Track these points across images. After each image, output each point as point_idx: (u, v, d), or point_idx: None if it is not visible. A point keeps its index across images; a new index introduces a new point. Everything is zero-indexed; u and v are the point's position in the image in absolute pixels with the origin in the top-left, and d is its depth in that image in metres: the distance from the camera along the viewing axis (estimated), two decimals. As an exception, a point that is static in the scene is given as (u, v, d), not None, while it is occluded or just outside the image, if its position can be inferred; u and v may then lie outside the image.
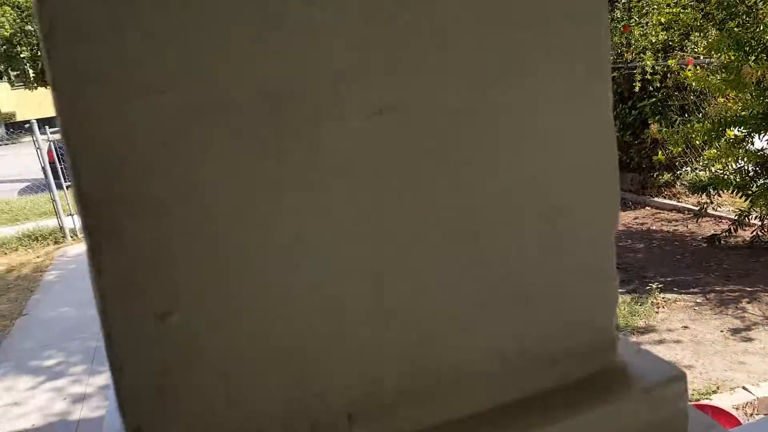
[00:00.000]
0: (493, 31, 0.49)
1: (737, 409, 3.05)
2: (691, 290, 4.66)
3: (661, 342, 3.97)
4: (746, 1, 4.67)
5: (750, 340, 3.87)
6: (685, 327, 4.12)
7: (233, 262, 0.44)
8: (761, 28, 4.63)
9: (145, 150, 0.41)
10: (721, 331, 4.01)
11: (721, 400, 3.11)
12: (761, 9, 4.67)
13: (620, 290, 4.72)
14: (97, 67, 0.39)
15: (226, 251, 0.44)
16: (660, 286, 4.65)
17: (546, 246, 0.54)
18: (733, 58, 4.67)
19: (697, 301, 4.48)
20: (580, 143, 0.54)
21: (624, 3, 6.60)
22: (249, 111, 0.43)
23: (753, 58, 4.53)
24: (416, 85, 0.48)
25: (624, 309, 4.39)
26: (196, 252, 0.43)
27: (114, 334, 0.42)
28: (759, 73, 4.29)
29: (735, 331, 4.00)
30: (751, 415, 3.09)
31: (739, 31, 4.68)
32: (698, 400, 3.14)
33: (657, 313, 4.35)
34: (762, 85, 4.39)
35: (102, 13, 0.39)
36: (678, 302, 4.48)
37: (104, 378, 4.04)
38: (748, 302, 4.35)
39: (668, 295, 4.58)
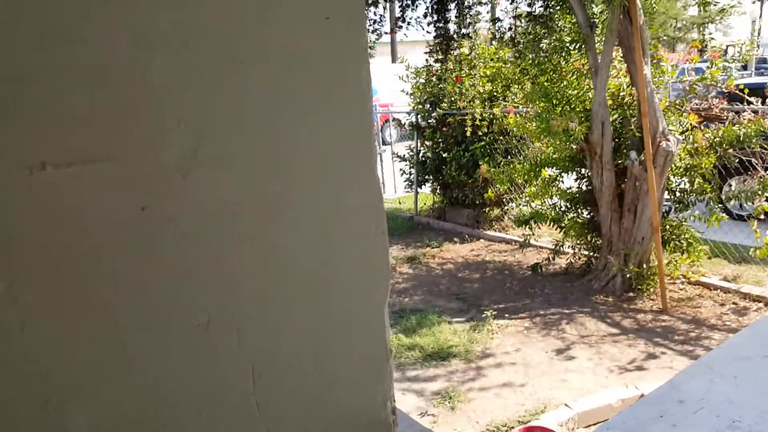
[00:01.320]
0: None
1: (561, 426, 3.22)
2: (520, 315, 4.93)
3: (498, 366, 4.13)
4: (552, 60, 5.15)
5: (570, 358, 4.15)
6: (517, 350, 4.34)
7: None
8: (565, 83, 5.12)
9: None
10: (546, 352, 4.27)
11: (548, 419, 3.28)
12: (564, 68, 5.17)
13: (460, 319, 4.92)
14: None
15: None
16: (494, 313, 4.87)
17: (317, 336, 0.48)
18: (542, 108, 5.11)
19: (526, 325, 4.74)
20: (350, 220, 0.49)
21: (456, 56, 7.00)
22: None
23: (559, 109, 4.99)
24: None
25: (464, 337, 4.53)
26: None
27: None
28: (564, 123, 4.72)
29: (558, 351, 4.27)
30: (572, 430, 3.28)
31: (548, 85, 5.14)
32: (529, 421, 3.29)
33: (492, 339, 4.54)
34: (567, 132, 4.83)
35: None
36: (510, 327, 4.71)
37: None
38: (567, 323, 4.69)
39: (501, 321, 4.81)
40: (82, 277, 0.41)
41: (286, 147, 0.47)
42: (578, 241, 5.60)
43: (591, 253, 5.58)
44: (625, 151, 5.00)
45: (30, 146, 0.39)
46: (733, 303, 4.84)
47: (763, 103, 5.32)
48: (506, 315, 4.93)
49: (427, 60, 7.08)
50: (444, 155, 7.61)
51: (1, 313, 0.38)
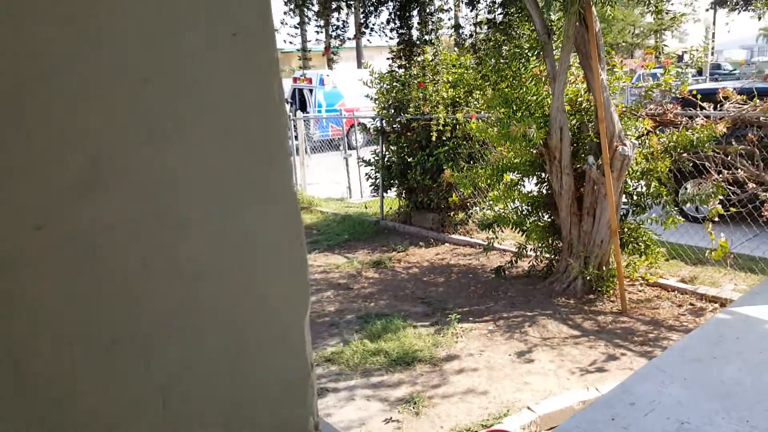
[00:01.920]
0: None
1: (523, 429, 3.24)
2: (484, 318, 4.95)
3: (462, 370, 4.13)
4: (512, 67, 5.20)
5: (532, 361, 4.18)
6: (481, 354, 4.35)
7: None
8: (524, 89, 5.18)
9: None
10: (509, 355, 4.29)
11: (511, 422, 3.29)
12: (523, 74, 5.23)
13: (424, 323, 4.91)
14: None
15: None
16: (458, 316, 4.88)
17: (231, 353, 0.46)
18: (503, 113, 5.16)
19: (489, 328, 4.76)
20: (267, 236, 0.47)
21: (419, 62, 7.02)
22: None
23: (519, 114, 5.04)
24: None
25: (429, 341, 4.53)
26: None
27: None
28: (523, 128, 4.77)
29: (520, 354, 4.29)
30: (535, 432, 3.30)
31: (508, 91, 5.19)
32: (492, 425, 3.30)
33: (456, 342, 4.54)
34: (527, 138, 4.88)
35: None
36: (474, 330, 4.73)
37: None
38: (529, 326, 4.73)
39: (465, 325, 4.82)
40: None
41: (193, 162, 0.45)
42: (540, 244, 5.65)
43: (552, 256, 5.65)
44: (583, 155, 5.07)
45: None
46: (690, 304, 4.94)
47: (715, 108, 5.47)
48: (470, 318, 4.95)
49: (390, 65, 7.09)
50: (409, 160, 7.62)
51: None
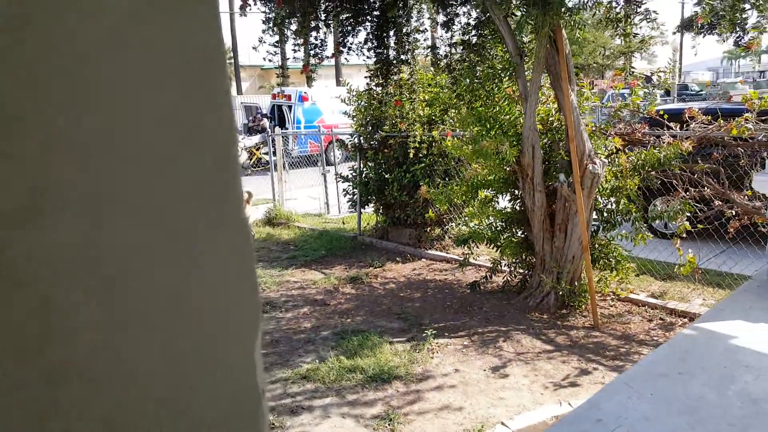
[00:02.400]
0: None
1: (496, 444, 3.23)
2: (459, 333, 4.95)
3: (437, 386, 4.10)
4: (486, 87, 5.26)
5: (506, 376, 4.18)
6: (456, 370, 4.33)
7: None
8: (497, 108, 5.25)
9: None
10: (484, 370, 4.29)
11: (484, 438, 3.28)
12: (496, 94, 5.30)
13: (401, 339, 4.89)
14: None
15: None
16: (434, 332, 4.87)
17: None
18: (477, 132, 5.21)
19: (464, 343, 4.76)
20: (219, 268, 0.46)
21: (396, 80, 7.07)
22: None
23: (493, 132, 5.09)
24: None
25: (405, 357, 4.50)
26: None
27: None
28: (496, 145, 4.82)
29: (495, 369, 4.29)
30: (508, 448, 3.29)
31: (482, 110, 5.25)
32: (465, 441, 3.28)
33: (432, 358, 4.53)
34: (500, 155, 4.93)
35: None
36: (449, 346, 4.72)
37: None
38: (504, 341, 4.74)
39: (441, 340, 4.81)
40: None
41: (135, 191, 0.44)
42: (514, 260, 5.69)
43: (526, 271, 5.68)
44: (554, 173, 5.13)
45: None
46: (660, 319, 5.00)
47: (681, 128, 5.59)
48: (446, 333, 4.94)
49: (368, 84, 7.13)
50: (386, 176, 7.64)
51: None
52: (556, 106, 5.27)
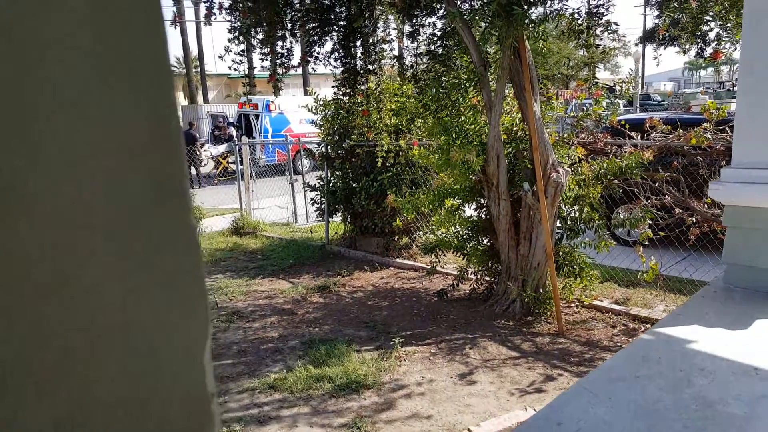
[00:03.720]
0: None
1: (463, 451, 3.25)
2: (427, 341, 4.97)
3: (405, 394, 4.11)
4: (451, 97, 5.33)
5: (473, 383, 4.21)
6: (423, 377, 4.35)
7: None
8: (462, 118, 5.32)
9: None
10: (451, 377, 4.31)
11: (451, 445, 3.30)
12: (462, 104, 5.37)
13: (368, 347, 4.89)
14: None
15: None
16: (402, 340, 4.88)
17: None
18: (443, 141, 5.27)
19: (432, 351, 4.78)
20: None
21: (364, 89, 7.10)
22: None
23: (459, 142, 5.16)
24: None
25: (372, 366, 4.50)
26: None
27: None
28: (462, 155, 4.88)
29: (462, 376, 4.32)
30: (474, 455, 3.31)
31: (448, 119, 5.31)
32: (432, 448, 3.29)
33: (400, 366, 4.54)
34: (466, 164, 4.99)
35: None
36: (417, 354, 4.73)
37: None
38: (470, 348, 4.78)
39: (409, 348, 4.82)
40: None
41: (85, 197, 0.44)
42: (480, 268, 5.75)
43: (492, 279, 5.75)
44: (519, 182, 5.21)
45: None
46: (624, 325, 5.10)
47: (642, 137, 5.73)
48: (413, 341, 4.95)
49: (335, 93, 7.15)
50: (353, 185, 7.65)
51: None
52: (520, 116, 5.36)
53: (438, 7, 6.03)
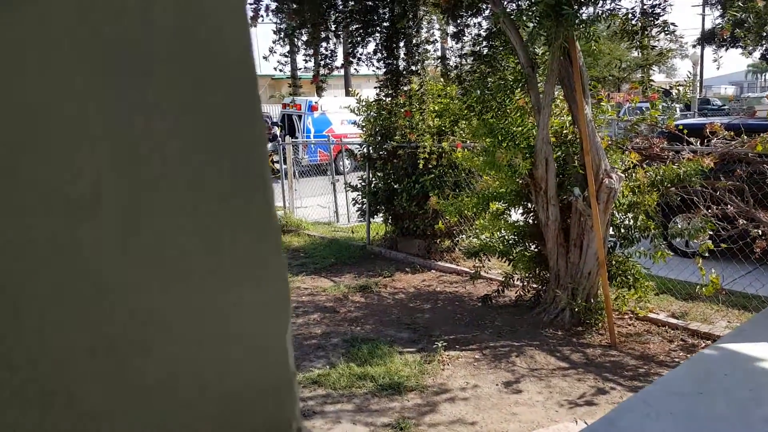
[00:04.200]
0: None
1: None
2: (471, 347, 4.92)
3: (449, 398, 4.07)
4: (497, 98, 5.27)
5: (519, 391, 4.14)
6: (468, 382, 4.31)
7: None
8: (509, 120, 5.25)
9: None
10: (497, 385, 4.25)
11: (496, 456, 3.25)
12: (508, 105, 5.30)
13: (411, 349, 4.87)
14: None
15: None
16: (445, 344, 4.84)
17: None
18: (488, 143, 5.21)
19: (476, 357, 4.73)
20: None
21: (406, 90, 7.12)
22: None
23: (505, 144, 5.09)
24: None
25: (415, 368, 4.48)
26: None
27: None
28: (508, 157, 4.81)
29: (507, 384, 4.25)
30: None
31: (493, 121, 5.25)
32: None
33: (443, 370, 4.50)
34: (512, 167, 4.93)
35: None
36: (460, 359, 4.69)
37: None
38: (517, 356, 4.70)
39: (452, 353, 4.78)
40: None
41: (179, 194, 0.46)
42: (527, 274, 5.65)
43: (540, 286, 5.64)
44: (569, 186, 5.10)
45: None
46: (682, 340, 4.88)
47: (702, 143, 5.50)
48: (457, 346, 4.91)
49: (378, 94, 7.17)
50: (395, 186, 7.66)
51: None
52: (570, 118, 5.25)
53: (483, 7, 5.98)
